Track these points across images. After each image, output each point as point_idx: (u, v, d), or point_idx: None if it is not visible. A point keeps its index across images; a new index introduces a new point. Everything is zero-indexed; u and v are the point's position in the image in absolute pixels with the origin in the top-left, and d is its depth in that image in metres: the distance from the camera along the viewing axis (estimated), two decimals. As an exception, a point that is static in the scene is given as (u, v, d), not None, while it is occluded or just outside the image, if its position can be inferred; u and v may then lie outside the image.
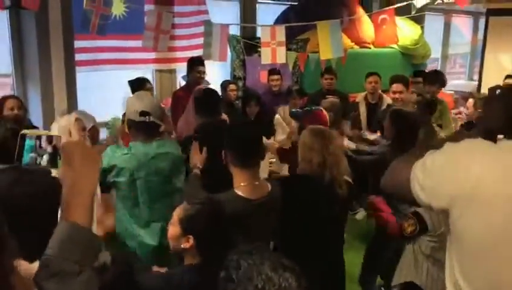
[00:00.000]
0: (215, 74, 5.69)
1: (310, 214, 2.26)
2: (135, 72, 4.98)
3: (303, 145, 2.38)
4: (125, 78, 4.75)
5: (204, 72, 4.63)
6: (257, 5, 6.09)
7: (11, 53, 4.25)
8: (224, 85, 5.00)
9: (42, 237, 1.00)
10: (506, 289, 1.06)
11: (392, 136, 3.03)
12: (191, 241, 1.67)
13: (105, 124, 4.97)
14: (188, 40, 5.38)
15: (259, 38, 5.14)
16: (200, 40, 4.80)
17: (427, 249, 2.18)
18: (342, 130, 3.74)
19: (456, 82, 8.68)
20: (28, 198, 1.80)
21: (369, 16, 5.50)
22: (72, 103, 4.45)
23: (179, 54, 5.33)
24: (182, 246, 1.69)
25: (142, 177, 2.28)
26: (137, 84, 4.27)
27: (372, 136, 3.70)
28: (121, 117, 4.83)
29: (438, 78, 4.86)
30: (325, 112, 3.11)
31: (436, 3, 4.39)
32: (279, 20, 6.16)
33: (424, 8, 4.34)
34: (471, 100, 3.76)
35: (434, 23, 8.10)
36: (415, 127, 2.92)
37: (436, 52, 8.04)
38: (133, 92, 4.24)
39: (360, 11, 6.26)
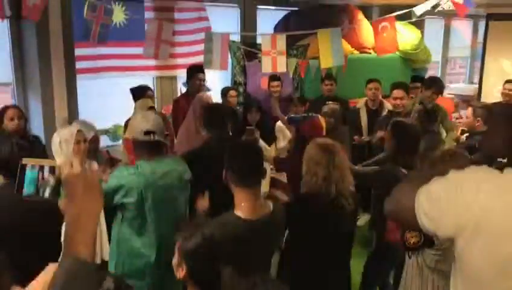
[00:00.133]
0: (216, 80, 5.69)
1: (318, 233, 2.27)
2: (136, 79, 4.99)
3: (309, 159, 2.37)
4: (125, 85, 4.76)
5: (204, 80, 4.63)
6: (257, 11, 6.09)
7: (12, 62, 4.25)
8: (225, 92, 5.01)
9: (40, 257, 1.00)
10: None
11: (393, 147, 3.02)
12: (184, 271, 1.64)
13: (106, 131, 4.98)
14: (188, 46, 5.39)
15: (259, 44, 5.15)
16: (201, 47, 4.80)
17: (432, 262, 2.18)
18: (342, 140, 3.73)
19: (457, 85, 8.68)
20: (28, 218, 1.80)
21: (370, 23, 5.52)
22: (72, 111, 4.45)
23: (180, 61, 5.34)
24: (177, 274, 1.67)
25: (150, 196, 2.28)
26: (139, 92, 4.28)
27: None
28: (121, 124, 4.86)
29: (436, 84, 4.87)
30: (321, 119, 3.10)
31: (436, 11, 4.39)
32: (279, 26, 6.17)
33: (424, 13, 4.34)
34: (470, 109, 3.75)
35: (434, 26, 8.11)
36: (415, 139, 2.91)
37: (436, 55, 8.05)
38: (134, 99, 4.25)
39: (360, 15, 6.26)
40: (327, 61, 4.19)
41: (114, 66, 4.92)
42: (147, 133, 2.30)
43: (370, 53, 6.10)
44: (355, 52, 6.08)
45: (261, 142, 4.33)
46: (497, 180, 1.07)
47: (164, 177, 2.34)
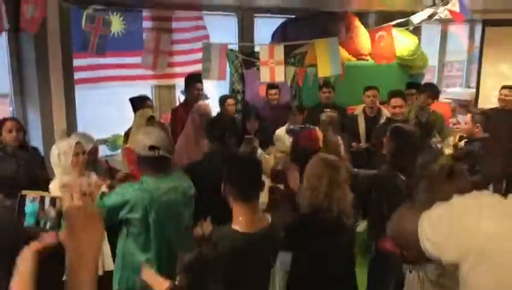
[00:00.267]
0: (214, 88, 5.71)
1: (321, 250, 2.28)
2: (134, 89, 5.00)
3: (312, 175, 2.37)
4: (124, 94, 4.76)
5: (202, 89, 4.65)
6: (254, 19, 6.11)
7: (10, 73, 4.26)
8: (222, 100, 5.01)
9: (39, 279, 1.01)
10: None
11: (391, 153, 3.03)
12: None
13: (105, 141, 4.98)
14: (186, 55, 5.40)
15: (257, 53, 5.16)
16: (199, 56, 4.81)
17: (434, 275, 2.17)
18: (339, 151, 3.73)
19: (453, 90, 8.70)
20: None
21: (367, 30, 5.55)
22: (71, 122, 4.45)
23: (178, 70, 5.35)
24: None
25: (154, 212, 2.29)
26: (138, 102, 4.29)
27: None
28: (120, 133, 4.86)
29: (430, 88, 4.90)
30: (318, 131, 3.11)
31: (433, 19, 4.42)
32: (276, 33, 6.19)
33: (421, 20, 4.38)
34: (468, 115, 3.77)
35: (431, 31, 8.14)
36: (415, 145, 2.91)
37: (433, 60, 8.08)
38: (134, 109, 4.26)
39: (357, 22, 6.28)
40: (325, 70, 4.21)
41: (112, 75, 4.93)
42: (151, 148, 2.31)
43: (367, 60, 6.12)
44: (353, 59, 6.10)
45: (260, 151, 4.34)
46: (500, 206, 1.08)
47: (168, 193, 2.35)
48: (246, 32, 5.99)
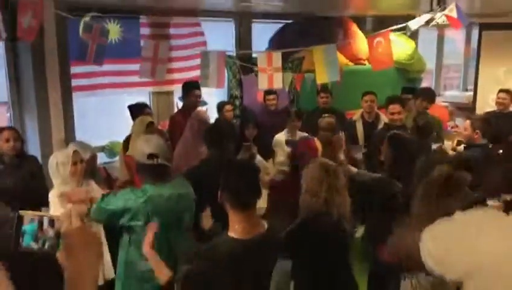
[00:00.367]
0: (212, 94, 5.70)
1: (322, 255, 2.29)
2: (132, 95, 4.99)
3: (311, 178, 2.38)
4: (122, 101, 4.76)
5: (200, 96, 4.65)
6: (252, 24, 6.11)
7: (7, 81, 4.24)
8: (220, 106, 5.02)
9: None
10: None
11: (389, 161, 3.02)
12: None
13: (103, 148, 4.97)
14: (184, 61, 5.40)
15: (255, 58, 5.17)
16: (196, 62, 4.81)
17: (428, 284, 2.17)
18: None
19: (451, 93, 8.73)
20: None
21: (365, 35, 5.56)
22: (69, 130, 4.43)
23: (176, 76, 5.34)
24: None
25: (157, 219, 2.30)
26: (137, 109, 4.28)
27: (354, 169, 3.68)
28: (118, 140, 4.85)
29: (425, 93, 4.91)
30: (317, 141, 3.11)
31: (430, 25, 4.42)
32: (274, 38, 6.20)
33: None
34: (468, 121, 3.77)
35: (428, 34, 8.16)
36: (413, 153, 2.91)
37: (430, 63, 8.09)
38: (132, 117, 4.25)
39: (354, 27, 6.30)
40: (322, 77, 4.22)
41: (110, 82, 4.91)
42: (150, 156, 2.33)
43: (365, 64, 6.13)
44: (350, 63, 6.11)
45: (259, 158, 4.33)
46: (502, 224, 1.07)
47: (170, 199, 2.38)
48: (243, 37, 6.00)
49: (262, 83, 4.32)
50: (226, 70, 4.94)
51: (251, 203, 2.02)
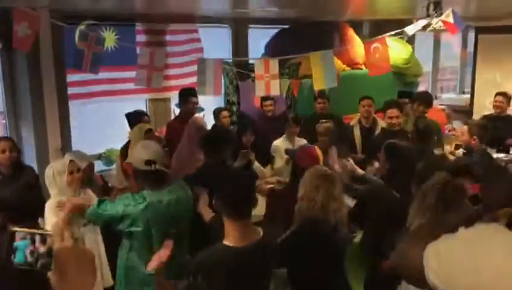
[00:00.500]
0: (209, 100, 5.68)
1: (320, 261, 2.29)
2: (129, 102, 4.97)
3: (309, 184, 2.38)
4: (119, 109, 4.73)
5: (197, 102, 4.63)
6: (248, 30, 6.10)
7: (3, 91, 4.22)
8: (217, 113, 5.00)
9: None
10: None
11: (387, 170, 2.99)
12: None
13: (100, 156, 4.94)
14: (181, 68, 5.38)
15: (251, 64, 5.16)
16: (193, 68, 4.79)
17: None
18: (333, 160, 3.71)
19: (448, 96, 8.74)
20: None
21: (361, 40, 5.56)
22: (65, 139, 4.42)
23: (173, 83, 5.33)
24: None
25: (157, 224, 2.34)
26: (134, 117, 4.27)
27: (361, 171, 3.67)
28: (115, 148, 4.83)
29: (421, 98, 4.92)
30: (317, 149, 3.09)
31: (427, 30, 4.43)
32: (270, 43, 6.19)
33: (415, 30, 4.40)
34: (465, 127, 3.77)
35: (424, 38, 8.17)
36: (411, 162, 2.88)
37: (427, 66, 8.11)
38: (130, 125, 4.23)
39: (351, 32, 6.29)
40: (320, 83, 4.22)
41: (106, 90, 4.89)
42: (148, 162, 2.34)
43: (362, 68, 6.13)
44: (347, 68, 6.11)
45: (256, 164, 4.32)
46: (506, 241, 1.05)
47: (169, 205, 2.40)
48: (240, 43, 5.99)
49: (260, 90, 4.32)
50: (222, 77, 4.93)
51: (246, 213, 2.04)
